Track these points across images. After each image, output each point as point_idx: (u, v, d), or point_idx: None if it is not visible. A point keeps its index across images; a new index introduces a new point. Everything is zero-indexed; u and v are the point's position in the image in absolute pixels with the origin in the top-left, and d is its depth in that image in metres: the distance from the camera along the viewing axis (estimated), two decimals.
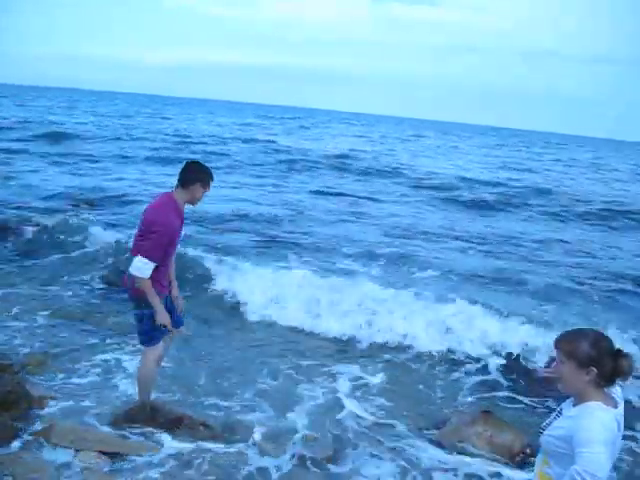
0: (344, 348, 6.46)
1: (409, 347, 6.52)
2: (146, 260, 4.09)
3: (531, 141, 73.39)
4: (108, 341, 6.05)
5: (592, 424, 2.23)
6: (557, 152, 51.25)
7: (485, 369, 6.15)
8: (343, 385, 5.51)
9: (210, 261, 8.55)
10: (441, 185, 20.00)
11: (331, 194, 16.61)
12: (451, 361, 6.30)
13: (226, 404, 5.01)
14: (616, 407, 2.34)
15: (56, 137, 25.10)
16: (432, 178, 21.30)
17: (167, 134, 30.80)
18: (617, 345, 2.37)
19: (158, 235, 4.09)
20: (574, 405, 2.41)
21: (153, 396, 4.69)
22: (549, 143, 73.10)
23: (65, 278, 8.04)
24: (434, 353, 6.40)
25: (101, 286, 7.83)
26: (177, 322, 4.55)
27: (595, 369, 2.30)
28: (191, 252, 8.71)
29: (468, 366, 6.18)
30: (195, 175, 4.25)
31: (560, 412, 2.46)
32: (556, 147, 63.39)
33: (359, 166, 23.00)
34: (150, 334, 4.39)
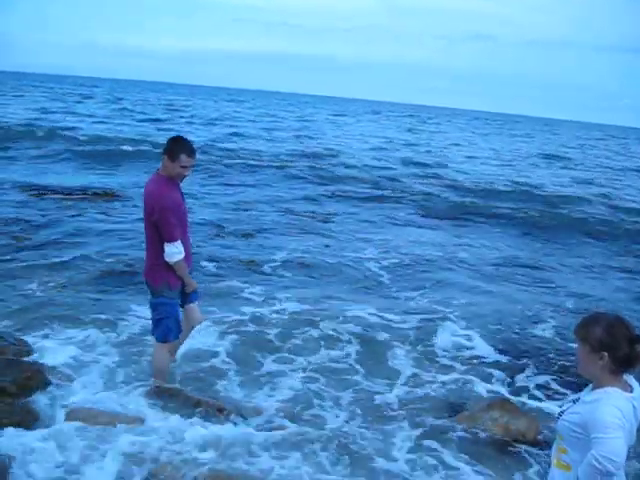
0: None
1: None
2: (172, 243, 4.18)
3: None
4: (126, 324, 6.09)
5: (608, 409, 2.22)
6: None
7: (499, 356, 6.14)
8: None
9: None
10: None
11: None
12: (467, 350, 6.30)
13: (244, 389, 5.04)
14: (632, 392, 2.33)
15: None
16: None
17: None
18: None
19: (166, 215, 4.13)
20: (592, 390, 2.40)
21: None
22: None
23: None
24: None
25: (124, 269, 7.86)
26: (192, 297, 4.64)
27: (607, 354, 2.30)
28: None
29: (484, 353, 6.18)
30: (166, 149, 4.21)
31: (578, 399, 2.46)
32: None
33: None
34: (166, 325, 4.45)
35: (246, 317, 6.54)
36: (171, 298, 4.43)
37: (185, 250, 4.36)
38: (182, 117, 37.22)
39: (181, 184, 4.40)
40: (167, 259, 4.23)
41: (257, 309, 6.81)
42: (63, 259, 8.15)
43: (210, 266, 8.34)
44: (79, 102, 44.60)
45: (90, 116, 31.73)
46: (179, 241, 4.22)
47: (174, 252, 4.21)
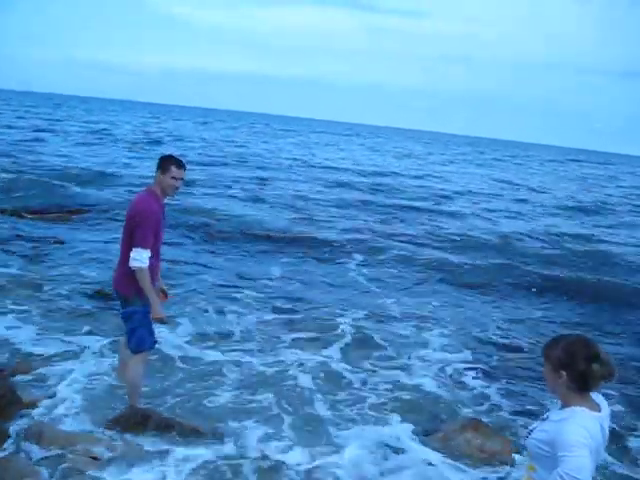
0: None
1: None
2: (141, 249, 4.24)
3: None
4: (100, 345, 6.05)
5: (573, 428, 2.26)
6: None
7: (473, 378, 6.21)
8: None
9: None
10: None
11: None
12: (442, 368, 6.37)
13: (217, 410, 5.02)
14: (600, 412, 2.39)
15: None
16: None
17: None
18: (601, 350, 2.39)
19: (143, 222, 4.25)
20: (560, 409, 2.46)
21: (145, 402, 4.78)
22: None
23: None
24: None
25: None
26: None
27: (565, 373, 2.36)
28: None
29: (457, 375, 6.25)
30: (157, 166, 4.46)
31: (547, 417, 2.51)
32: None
33: None
34: (139, 333, 4.45)
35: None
36: (143, 306, 4.43)
37: (151, 272, 4.38)
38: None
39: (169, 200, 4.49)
40: (130, 264, 4.26)
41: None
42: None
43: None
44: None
45: None
46: (148, 250, 4.27)
47: (140, 258, 4.25)
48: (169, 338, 6.30)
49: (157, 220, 4.34)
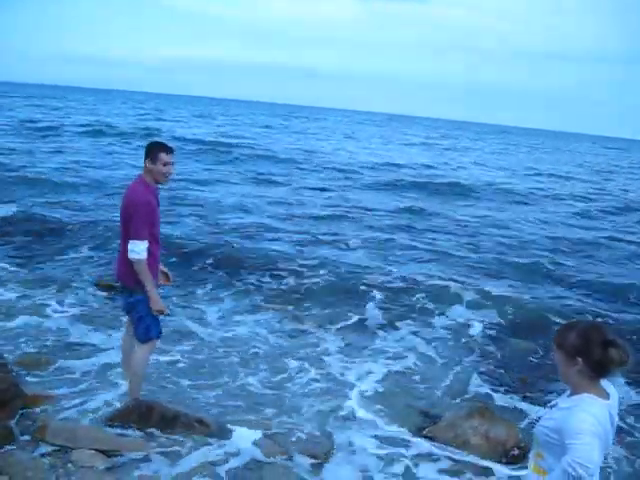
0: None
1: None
2: (137, 241, 4.22)
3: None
4: (104, 339, 6.05)
5: (582, 415, 2.23)
6: None
7: (479, 363, 6.18)
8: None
9: None
10: None
11: None
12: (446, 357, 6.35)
13: (222, 401, 5.01)
14: (608, 399, 2.35)
15: None
16: None
17: None
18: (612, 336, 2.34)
19: (138, 213, 4.22)
20: (568, 397, 2.42)
21: (146, 392, 4.78)
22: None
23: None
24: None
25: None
26: None
27: (581, 359, 2.31)
28: None
29: (463, 363, 6.23)
30: (145, 154, 4.41)
31: (555, 405, 2.48)
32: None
33: None
34: (145, 322, 4.44)
35: None
36: (146, 295, 4.42)
37: (154, 260, 4.39)
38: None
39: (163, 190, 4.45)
40: (129, 256, 4.26)
41: None
42: None
43: None
44: None
45: None
46: (145, 241, 4.26)
47: (137, 250, 4.23)
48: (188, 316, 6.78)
49: (152, 209, 4.34)
